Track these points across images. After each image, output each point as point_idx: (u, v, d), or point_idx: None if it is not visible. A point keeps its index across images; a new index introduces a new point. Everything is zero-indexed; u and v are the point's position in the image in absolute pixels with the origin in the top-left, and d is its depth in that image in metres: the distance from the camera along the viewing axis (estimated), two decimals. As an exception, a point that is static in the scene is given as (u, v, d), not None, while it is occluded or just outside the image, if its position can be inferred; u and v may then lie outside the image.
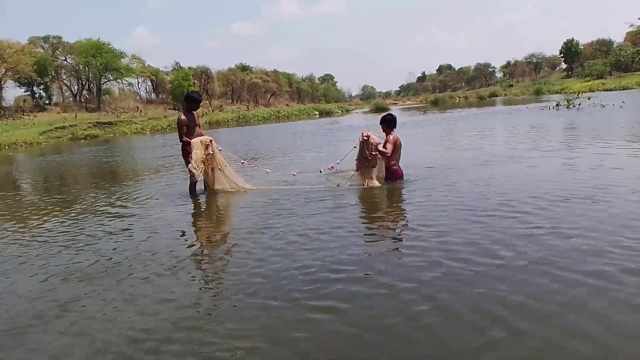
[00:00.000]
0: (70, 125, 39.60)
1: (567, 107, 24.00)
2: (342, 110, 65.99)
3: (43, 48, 57.22)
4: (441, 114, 31.05)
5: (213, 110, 60.72)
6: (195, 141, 7.26)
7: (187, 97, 7.61)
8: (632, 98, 28.39)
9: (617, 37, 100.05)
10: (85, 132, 37.94)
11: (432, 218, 5.07)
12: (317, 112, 61.61)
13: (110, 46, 58.43)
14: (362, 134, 7.14)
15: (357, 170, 7.28)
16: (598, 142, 10.06)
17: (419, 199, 6.04)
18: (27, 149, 29.18)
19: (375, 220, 5.40)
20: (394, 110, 51.22)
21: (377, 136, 7.19)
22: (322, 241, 4.55)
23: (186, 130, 7.35)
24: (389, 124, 7.28)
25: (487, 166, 8.21)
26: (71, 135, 36.76)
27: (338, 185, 7.36)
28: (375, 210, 6.01)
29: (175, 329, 3.01)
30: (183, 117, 7.39)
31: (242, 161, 8.56)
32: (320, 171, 8.00)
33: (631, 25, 77.00)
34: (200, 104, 7.78)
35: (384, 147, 7.06)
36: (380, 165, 7.19)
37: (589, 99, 26.43)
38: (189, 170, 7.26)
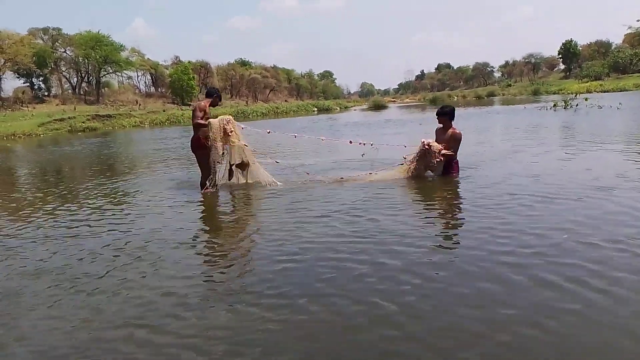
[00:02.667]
0: (69, 118, 39.62)
1: (564, 108, 24.19)
2: (340, 107, 66.12)
3: (42, 39, 57.11)
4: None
5: (212, 105, 60.57)
6: (213, 121, 6.99)
7: (213, 92, 7.38)
8: (630, 99, 28.61)
9: (616, 38, 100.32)
10: (83, 124, 37.96)
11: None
12: (315, 109, 61.74)
13: (110, 39, 58.32)
14: (423, 142, 6.98)
15: (408, 165, 7.14)
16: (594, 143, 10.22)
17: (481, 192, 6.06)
18: (26, 140, 29.24)
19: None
20: (392, 109, 51.43)
21: (432, 140, 7.05)
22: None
23: (202, 115, 7.07)
24: (450, 116, 7.17)
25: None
26: (70, 128, 36.78)
27: (362, 155, 7.56)
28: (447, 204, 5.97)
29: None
30: (204, 103, 7.20)
31: (267, 131, 8.14)
32: (363, 154, 7.84)
33: (629, 27, 77.25)
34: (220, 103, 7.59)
35: (449, 145, 6.95)
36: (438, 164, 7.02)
37: (586, 100, 26.59)
38: (207, 164, 7.03)
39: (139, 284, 3.70)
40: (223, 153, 7.12)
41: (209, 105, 7.25)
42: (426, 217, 5.27)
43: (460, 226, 4.86)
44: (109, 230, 5.33)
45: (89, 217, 6.09)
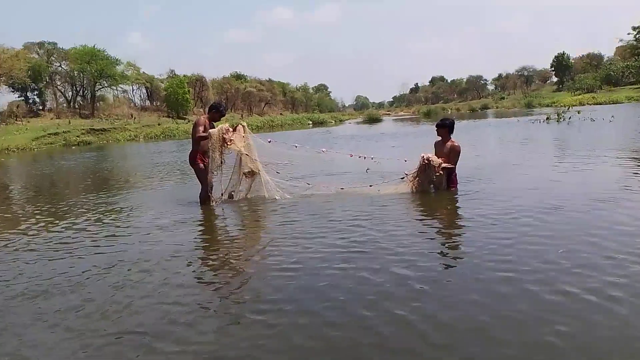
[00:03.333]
0: (63, 132, 39.57)
1: (557, 121, 24.38)
2: (335, 120, 66.32)
3: (38, 54, 57.17)
4: (434, 125, 31.17)
5: (207, 118, 60.65)
6: (212, 131, 6.99)
7: (214, 107, 7.44)
8: (622, 112, 28.88)
9: (607, 51, 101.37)
10: (78, 138, 37.93)
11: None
12: (310, 122, 61.90)
13: (105, 53, 58.50)
14: (422, 157, 6.96)
15: (410, 181, 7.14)
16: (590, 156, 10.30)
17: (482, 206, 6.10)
18: (20, 155, 29.16)
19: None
20: (387, 121, 51.64)
21: (430, 154, 7.04)
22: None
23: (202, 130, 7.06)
24: (450, 129, 7.18)
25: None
26: (64, 142, 36.73)
27: (367, 171, 7.73)
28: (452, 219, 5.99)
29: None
30: (203, 118, 7.27)
31: (268, 140, 8.01)
32: (367, 170, 7.95)
33: (621, 40, 78.33)
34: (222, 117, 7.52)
35: (449, 158, 6.95)
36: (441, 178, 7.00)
37: (579, 112, 26.83)
38: (205, 178, 7.08)
39: (144, 294, 3.71)
40: (221, 162, 7.13)
41: (210, 120, 7.29)
42: (427, 232, 5.25)
43: (461, 242, 4.85)
44: (106, 245, 5.33)
45: (90, 232, 6.09)
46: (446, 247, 4.68)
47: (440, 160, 6.92)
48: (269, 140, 8.01)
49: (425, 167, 6.95)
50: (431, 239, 4.99)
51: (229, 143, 7.05)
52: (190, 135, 7.37)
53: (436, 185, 6.99)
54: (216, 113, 7.36)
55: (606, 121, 21.15)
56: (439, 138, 7.30)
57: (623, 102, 49.68)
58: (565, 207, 5.63)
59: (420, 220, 5.87)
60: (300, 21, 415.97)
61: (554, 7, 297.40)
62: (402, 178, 7.30)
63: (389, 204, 6.49)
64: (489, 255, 4.17)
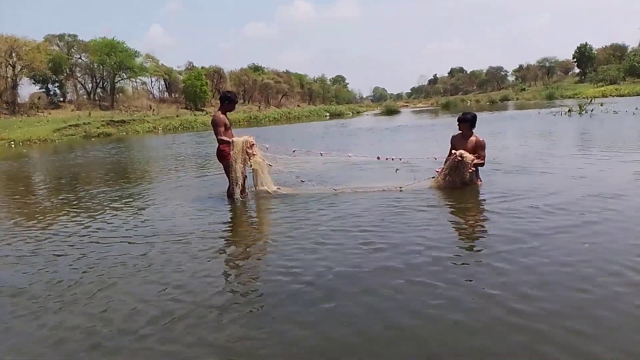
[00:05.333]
0: (83, 123, 40.03)
1: (579, 114, 23.88)
2: (352, 112, 66.06)
3: (58, 46, 57.92)
4: (453, 117, 30.80)
5: (224, 110, 60.95)
6: (237, 141, 6.87)
7: (226, 97, 7.16)
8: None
9: (632, 42, 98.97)
10: (98, 130, 38.31)
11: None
12: (327, 114, 61.76)
13: (125, 45, 59.01)
14: (455, 154, 6.73)
15: (442, 179, 6.92)
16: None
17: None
18: (41, 146, 29.58)
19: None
20: (405, 113, 51.25)
21: (463, 151, 6.77)
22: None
23: (223, 129, 6.93)
24: (472, 124, 6.95)
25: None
26: (84, 133, 37.16)
27: (396, 171, 7.47)
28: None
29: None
30: (221, 115, 6.97)
31: (293, 149, 7.97)
32: (397, 170, 7.67)
33: (646, 31, 76.33)
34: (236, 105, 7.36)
35: (477, 154, 6.76)
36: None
37: (601, 105, 26.24)
38: (230, 176, 6.93)
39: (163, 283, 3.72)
40: (244, 177, 7.03)
41: (225, 112, 7.08)
42: (454, 229, 5.17)
43: (491, 238, 4.72)
44: (122, 237, 5.36)
45: (110, 224, 6.13)
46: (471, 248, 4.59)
47: (473, 157, 6.69)
48: (293, 150, 7.94)
49: (458, 164, 6.71)
50: (459, 236, 4.91)
51: (251, 157, 6.97)
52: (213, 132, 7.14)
53: (466, 182, 6.78)
54: (230, 104, 7.11)
55: (629, 113, 20.67)
56: (458, 132, 7.11)
57: (647, 94, 48.57)
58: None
59: (449, 216, 5.74)
60: (320, 16, 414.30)
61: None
62: (432, 177, 7.11)
63: (413, 203, 6.24)
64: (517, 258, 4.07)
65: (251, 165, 7.06)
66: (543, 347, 2.63)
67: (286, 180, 7.61)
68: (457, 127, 7.11)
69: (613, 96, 49.40)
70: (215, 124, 6.94)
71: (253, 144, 6.99)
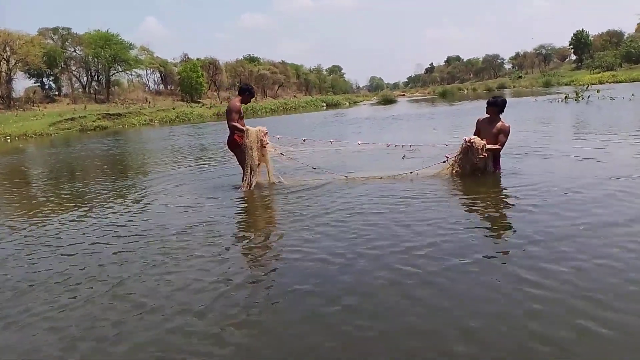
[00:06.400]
0: (79, 117, 39.83)
1: (575, 100, 23.90)
2: (349, 102, 65.91)
3: (52, 39, 57.41)
4: (450, 106, 31.06)
5: (221, 102, 60.83)
6: (252, 130, 6.95)
7: (247, 88, 7.30)
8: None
9: (628, 28, 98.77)
10: (94, 123, 38.16)
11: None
12: (324, 104, 61.64)
13: (119, 38, 58.55)
14: (465, 139, 6.67)
15: (451, 165, 6.87)
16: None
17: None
18: (37, 140, 29.45)
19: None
20: (402, 102, 51.16)
21: (472, 136, 6.70)
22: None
23: (237, 117, 7.01)
24: (501, 109, 6.77)
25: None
26: (80, 127, 37.00)
27: (403, 158, 7.52)
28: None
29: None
30: (238, 103, 7.07)
31: (303, 139, 8.03)
32: (404, 157, 7.74)
33: (642, 17, 76.19)
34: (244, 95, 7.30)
35: (497, 139, 6.59)
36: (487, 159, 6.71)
37: (598, 91, 26.28)
38: (245, 165, 6.96)
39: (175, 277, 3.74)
40: (258, 164, 7.08)
41: (242, 102, 7.16)
42: (470, 220, 4.98)
43: (509, 230, 4.55)
44: (130, 228, 5.37)
45: (115, 217, 6.12)
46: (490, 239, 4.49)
47: (483, 141, 6.56)
48: (303, 139, 7.97)
49: (467, 150, 6.65)
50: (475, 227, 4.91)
51: (265, 146, 7.04)
52: (226, 120, 7.17)
53: (480, 169, 6.68)
54: (249, 96, 7.24)
55: (626, 100, 20.70)
56: (485, 116, 6.91)
57: (644, 80, 48.55)
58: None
59: (463, 207, 5.61)
60: (316, 5, 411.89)
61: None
62: (443, 162, 7.02)
63: (426, 191, 6.17)
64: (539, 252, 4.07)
65: (264, 155, 7.10)
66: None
67: (298, 168, 7.59)
68: (485, 110, 6.93)
69: (610, 82, 49.39)
70: (230, 110, 7.05)
71: (266, 133, 7.08)
